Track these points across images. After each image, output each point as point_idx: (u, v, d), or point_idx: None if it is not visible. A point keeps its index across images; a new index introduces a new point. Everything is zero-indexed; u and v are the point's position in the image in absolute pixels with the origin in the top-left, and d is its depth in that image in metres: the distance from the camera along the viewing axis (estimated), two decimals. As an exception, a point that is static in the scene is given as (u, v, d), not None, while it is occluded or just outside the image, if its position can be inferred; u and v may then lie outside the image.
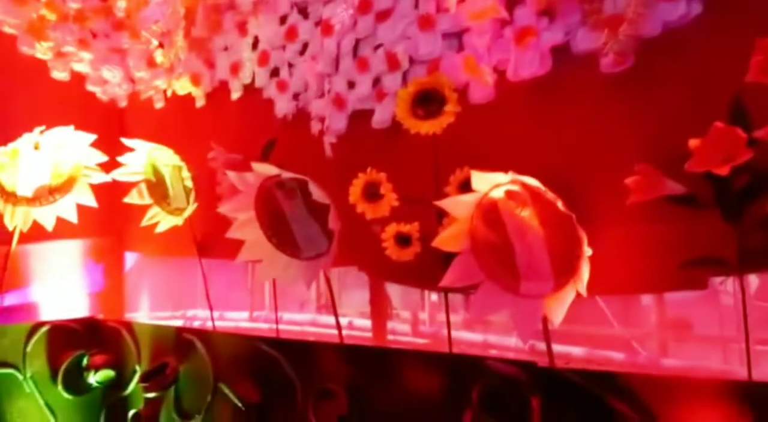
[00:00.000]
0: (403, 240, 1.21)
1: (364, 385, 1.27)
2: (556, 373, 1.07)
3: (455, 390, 1.15)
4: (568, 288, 1.06)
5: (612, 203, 1.09)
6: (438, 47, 1.32)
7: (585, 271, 1.03)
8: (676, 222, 1.05)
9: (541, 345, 2.03)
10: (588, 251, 1.01)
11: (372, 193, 1.19)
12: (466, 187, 1.22)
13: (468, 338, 2.06)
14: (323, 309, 2.81)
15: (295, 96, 1.59)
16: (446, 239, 1.14)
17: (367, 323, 2.23)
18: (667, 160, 1.03)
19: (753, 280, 1.97)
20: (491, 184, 1.10)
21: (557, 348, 2.08)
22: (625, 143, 1.11)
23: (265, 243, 1.42)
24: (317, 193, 1.29)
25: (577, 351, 1.89)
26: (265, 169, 1.33)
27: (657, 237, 1.06)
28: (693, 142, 0.90)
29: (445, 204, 1.12)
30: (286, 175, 1.33)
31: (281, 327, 1.68)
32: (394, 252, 1.22)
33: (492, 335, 2.05)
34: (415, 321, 2.08)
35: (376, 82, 1.42)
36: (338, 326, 1.46)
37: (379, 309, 1.66)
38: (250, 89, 1.71)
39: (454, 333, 2.24)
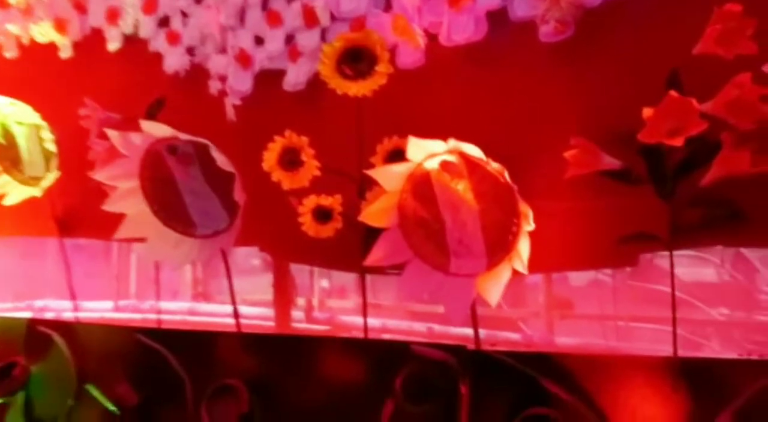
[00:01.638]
0: (323, 214, 1.07)
1: (269, 379, 1.11)
2: (488, 356, 0.99)
3: (376, 379, 1.04)
4: (502, 266, 0.98)
5: (546, 177, 1.03)
6: (363, 4, 1.19)
7: (524, 248, 0.96)
8: (609, 197, 1.01)
9: (441, 329, 2.00)
10: (529, 226, 0.95)
11: (291, 160, 1.03)
12: (394, 157, 1.11)
13: (362, 323, 1.97)
14: (200, 297, 2.56)
15: (190, 50, 1.38)
16: (374, 213, 1.03)
17: (254, 311, 2.06)
18: (605, 134, 1.00)
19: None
20: (427, 153, 1.00)
21: (450, 330, 2.06)
22: (561, 116, 1.06)
23: (151, 218, 1.21)
24: (221, 160, 1.10)
25: (472, 332, 1.86)
26: (156, 129, 1.12)
27: (590, 212, 1.03)
28: (646, 111, 0.87)
29: (375, 173, 1.00)
30: (183, 137, 1.13)
31: (152, 317, 1.47)
32: (312, 228, 1.08)
33: (390, 320, 1.98)
34: (309, 307, 1.94)
35: (290, 39, 1.27)
36: (236, 313, 1.28)
37: (284, 295, 1.49)
38: (131, 40, 1.47)
39: (347, 319, 2.14)
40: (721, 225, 0.93)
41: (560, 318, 2.02)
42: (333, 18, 1.22)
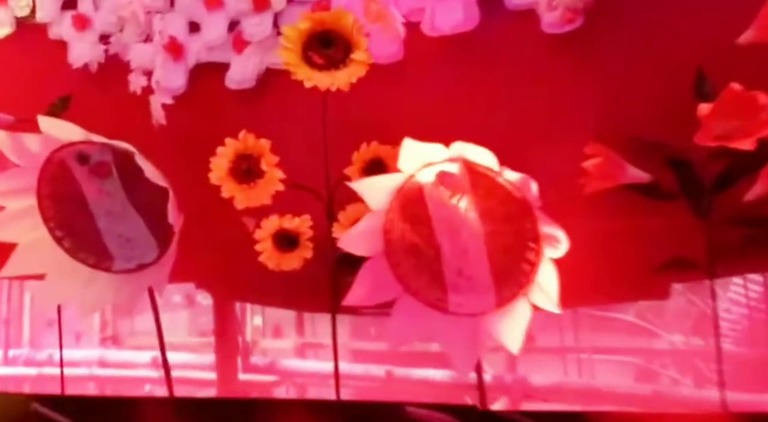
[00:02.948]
0: (287, 240, 0.85)
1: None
2: (504, 419, 0.80)
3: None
4: (517, 303, 0.80)
5: (558, 193, 0.86)
6: (328, -16, 0.99)
7: (548, 279, 0.77)
8: (635, 216, 0.86)
9: (402, 372, 1.78)
10: (555, 252, 0.77)
11: (247, 170, 0.80)
12: (374, 168, 0.90)
13: (310, 369, 1.72)
14: (110, 342, 2.20)
15: (104, 38, 1.11)
16: (355, 238, 0.81)
17: (179, 358, 1.76)
18: (624, 141, 0.85)
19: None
20: (422, 161, 0.80)
21: (412, 373, 1.85)
22: (571, 120, 0.90)
23: (52, 248, 0.93)
24: (150, 171, 0.85)
25: (435, 373, 1.67)
26: (60, 130, 0.86)
27: (612, 234, 0.87)
28: (702, 109, 0.72)
29: (359, 187, 0.80)
30: (98, 140, 0.87)
31: (50, 371, 1.16)
32: (272, 258, 0.84)
33: (344, 362, 1.75)
34: (245, 351, 1.68)
35: (233, 25, 1.04)
36: (165, 366, 1.01)
37: (227, 341, 1.23)
38: (27, 25, 1.18)
39: (292, 364, 1.88)
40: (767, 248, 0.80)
41: (523, 353, 1.85)
42: (289, 0, 1.01)
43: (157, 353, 1.89)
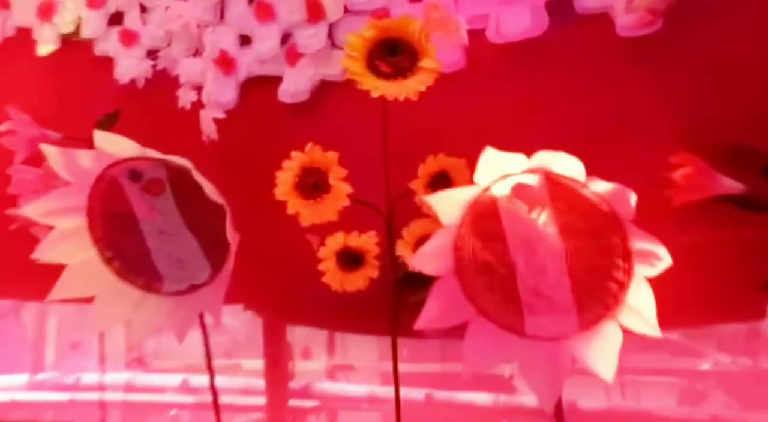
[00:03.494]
0: (351, 258, 0.79)
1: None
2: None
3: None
4: (605, 326, 0.74)
5: (643, 206, 0.80)
6: (384, -9, 0.95)
7: (641, 300, 0.71)
8: (729, 229, 0.80)
9: (442, 395, 1.71)
10: (649, 270, 0.70)
11: (313, 185, 0.75)
12: (438, 182, 0.85)
13: (348, 392, 1.66)
14: (136, 365, 2.15)
15: (151, 53, 1.08)
16: (426, 256, 0.76)
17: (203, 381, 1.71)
18: (710, 150, 0.79)
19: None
20: (500, 172, 0.75)
21: (456, 396, 1.77)
22: (653, 128, 0.84)
23: (100, 269, 0.89)
24: (208, 188, 0.81)
25: (475, 396, 1.60)
26: (115, 145, 0.82)
27: (704, 250, 0.80)
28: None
29: (434, 200, 0.74)
30: (152, 155, 0.83)
31: (80, 396, 1.11)
32: (336, 277, 0.79)
33: (376, 386, 1.68)
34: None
35: (286, 38, 1.00)
36: (214, 392, 0.96)
37: (278, 367, 1.17)
38: (71, 42, 1.16)
39: (329, 388, 1.82)
40: None
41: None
42: (346, 11, 0.97)
43: (187, 376, 1.84)
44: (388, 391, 1.68)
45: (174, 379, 1.83)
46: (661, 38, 0.84)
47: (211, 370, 0.95)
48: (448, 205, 0.75)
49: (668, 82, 0.84)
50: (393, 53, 0.80)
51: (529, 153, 0.75)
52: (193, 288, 0.89)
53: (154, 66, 1.08)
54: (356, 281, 0.80)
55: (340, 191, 0.76)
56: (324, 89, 0.98)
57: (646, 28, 0.84)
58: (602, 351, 0.72)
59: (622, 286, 0.73)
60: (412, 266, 0.75)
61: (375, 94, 0.78)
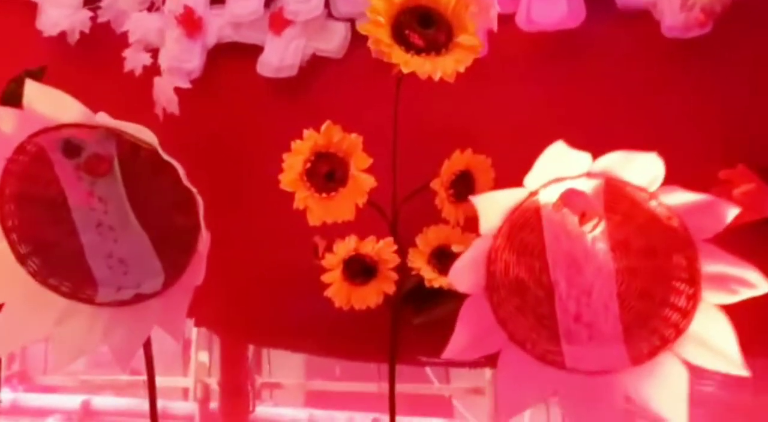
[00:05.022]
0: (362, 269, 0.63)
1: None
2: None
3: None
4: (663, 360, 0.63)
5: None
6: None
7: (710, 330, 0.61)
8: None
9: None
10: (720, 297, 0.60)
11: (328, 174, 0.58)
12: (458, 182, 0.71)
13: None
14: (15, 382, 1.80)
15: (90, 2, 0.86)
16: (463, 269, 0.62)
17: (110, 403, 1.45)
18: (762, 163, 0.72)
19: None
20: (553, 175, 0.62)
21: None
22: (699, 140, 0.76)
23: (13, 269, 0.67)
24: (182, 173, 0.62)
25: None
26: (53, 104, 0.60)
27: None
28: None
29: (480, 202, 0.60)
30: (104, 121, 0.62)
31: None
32: (341, 291, 0.62)
33: (316, 410, 1.51)
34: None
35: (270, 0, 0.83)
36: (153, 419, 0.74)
37: (234, 392, 0.96)
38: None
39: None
40: None
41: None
42: (349, -27, 0.81)
43: (87, 397, 1.56)
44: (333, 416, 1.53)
45: (70, 401, 1.54)
46: (708, 41, 0.76)
47: (152, 397, 0.74)
48: (493, 209, 0.61)
49: (714, 88, 0.76)
50: (427, 24, 0.66)
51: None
52: (140, 298, 0.68)
53: (93, 18, 0.86)
54: (367, 296, 0.63)
55: (361, 185, 0.60)
56: (316, 66, 0.82)
57: (696, 31, 0.75)
58: (663, 389, 0.61)
59: (685, 314, 0.62)
60: (451, 281, 0.60)
61: (406, 70, 0.64)
